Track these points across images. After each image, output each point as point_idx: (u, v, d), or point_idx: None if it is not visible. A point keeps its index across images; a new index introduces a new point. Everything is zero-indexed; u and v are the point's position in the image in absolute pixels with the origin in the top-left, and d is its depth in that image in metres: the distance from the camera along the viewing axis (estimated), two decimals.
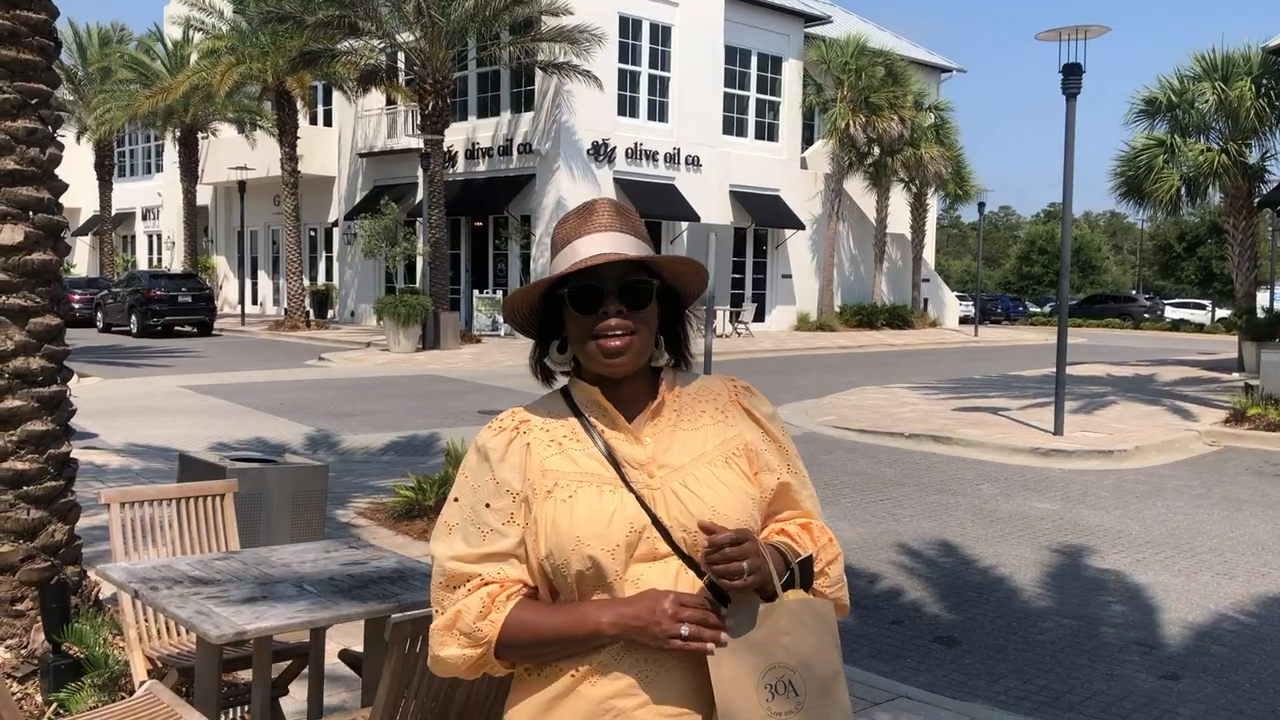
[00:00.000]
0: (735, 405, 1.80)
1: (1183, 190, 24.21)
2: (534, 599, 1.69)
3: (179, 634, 3.98)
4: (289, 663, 3.95)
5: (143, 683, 3.72)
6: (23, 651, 4.38)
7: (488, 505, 1.70)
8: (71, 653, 4.26)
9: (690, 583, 1.64)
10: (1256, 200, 23.77)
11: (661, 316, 1.75)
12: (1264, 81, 22.46)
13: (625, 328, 1.67)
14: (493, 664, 1.69)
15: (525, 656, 1.68)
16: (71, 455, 4.79)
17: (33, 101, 4.56)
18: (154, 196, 43.65)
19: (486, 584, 1.68)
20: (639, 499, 1.66)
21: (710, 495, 1.68)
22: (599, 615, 1.61)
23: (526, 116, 28.73)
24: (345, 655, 3.95)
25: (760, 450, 1.77)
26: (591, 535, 1.63)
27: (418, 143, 27.60)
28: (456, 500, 1.74)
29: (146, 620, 3.96)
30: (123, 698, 3.80)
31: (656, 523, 1.65)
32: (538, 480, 1.68)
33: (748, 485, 1.73)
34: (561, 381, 1.81)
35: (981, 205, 38.39)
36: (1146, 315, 49.00)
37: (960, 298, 45.78)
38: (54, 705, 4.03)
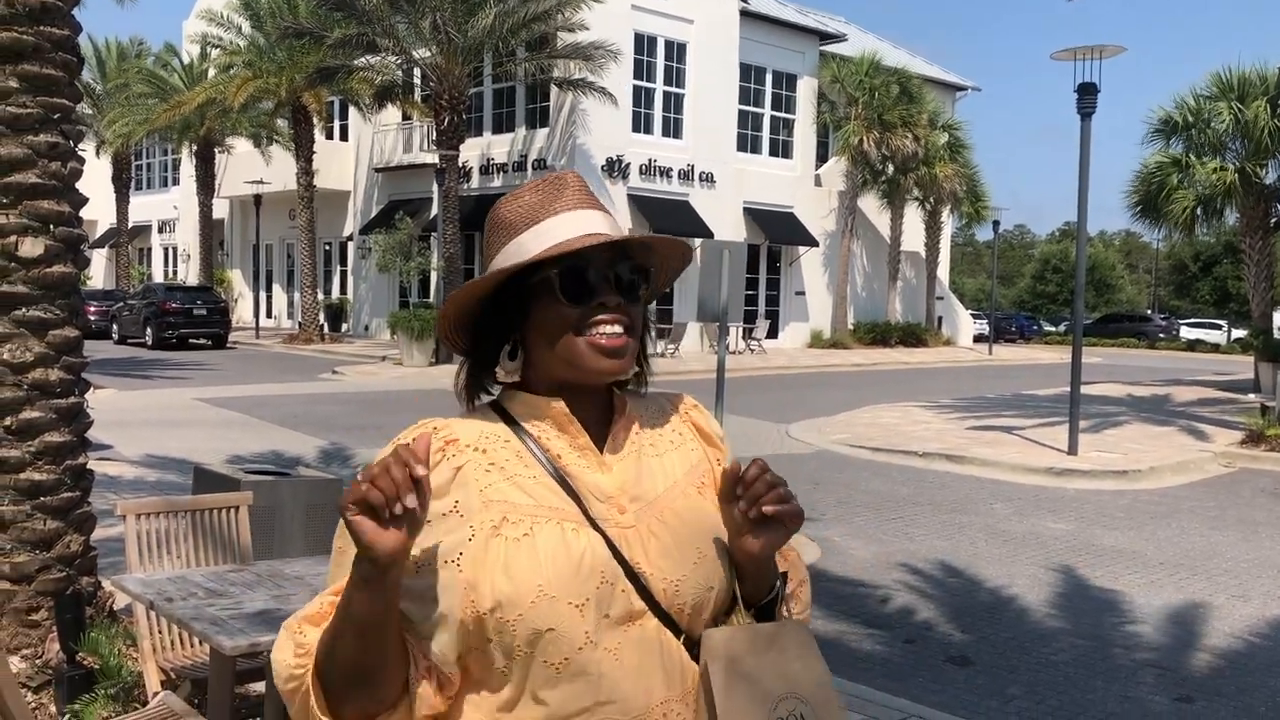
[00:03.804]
0: (688, 425, 1.50)
1: (1198, 210, 24.17)
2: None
3: (193, 645, 4.00)
4: None
5: (156, 694, 3.74)
6: (38, 661, 4.40)
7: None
8: (86, 663, 4.28)
9: (674, 648, 1.34)
10: (1274, 220, 23.70)
11: None
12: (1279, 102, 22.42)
13: (623, 323, 1.35)
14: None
15: (345, 678, 1.24)
16: (88, 467, 4.83)
17: (55, 116, 4.61)
18: (170, 210, 43.95)
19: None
20: (608, 541, 1.32)
21: (691, 535, 1.37)
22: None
23: (541, 132, 28.85)
24: None
25: (716, 475, 1.46)
26: (559, 584, 1.27)
27: (433, 158, 27.72)
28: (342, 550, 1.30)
29: (160, 631, 3.98)
30: (136, 709, 3.81)
31: (630, 572, 1.32)
32: (477, 512, 1.30)
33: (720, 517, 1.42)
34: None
35: (996, 224, 38.35)
36: (1162, 335, 48.84)
37: (975, 316, 45.68)
38: (68, 716, 4.04)
